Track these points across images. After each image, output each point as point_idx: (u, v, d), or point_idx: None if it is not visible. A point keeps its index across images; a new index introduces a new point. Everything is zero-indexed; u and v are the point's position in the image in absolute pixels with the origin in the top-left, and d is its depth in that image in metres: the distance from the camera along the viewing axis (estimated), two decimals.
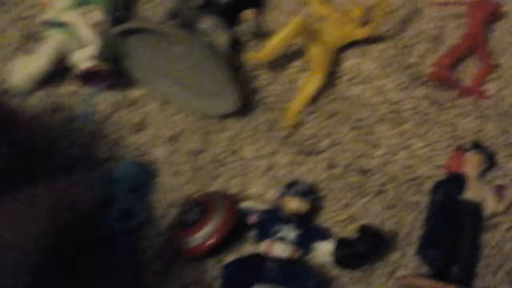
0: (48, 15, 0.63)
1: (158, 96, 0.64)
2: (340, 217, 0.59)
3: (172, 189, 0.60)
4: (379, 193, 0.60)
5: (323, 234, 0.57)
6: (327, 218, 0.59)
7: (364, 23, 0.67)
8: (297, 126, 0.63)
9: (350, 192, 0.60)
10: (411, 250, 0.58)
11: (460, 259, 0.55)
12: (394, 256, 0.57)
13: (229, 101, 0.61)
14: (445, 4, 0.69)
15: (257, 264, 0.55)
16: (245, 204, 0.58)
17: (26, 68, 0.62)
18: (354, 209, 0.59)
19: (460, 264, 0.55)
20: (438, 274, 0.54)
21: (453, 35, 0.68)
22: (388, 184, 0.60)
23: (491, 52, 0.67)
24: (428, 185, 0.60)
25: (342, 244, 0.56)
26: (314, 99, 0.65)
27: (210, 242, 0.55)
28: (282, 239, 0.55)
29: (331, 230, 0.58)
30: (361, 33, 0.66)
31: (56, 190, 0.50)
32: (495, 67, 0.67)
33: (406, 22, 0.69)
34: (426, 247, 0.56)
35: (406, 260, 0.57)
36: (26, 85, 0.62)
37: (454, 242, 0.56)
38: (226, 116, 0.64)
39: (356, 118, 0.64)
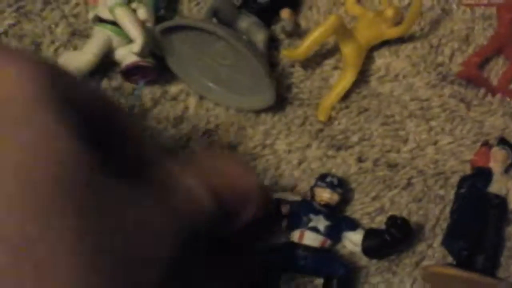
0: (96, 12, 0.66)
1: (196, 91, 0.67)
2: (369, 209, 0.62)
3: None
4: (407, 186, 0.62)
5: (352, 225, 0.60)
6: (356, 209, 0.62)
7: (397, 23, 0.69)
8: (329, 121, 0.66)
9: (379, 185, 0.63)
10: (437, 241, 0.60)
11: (485, 250, 0.58)
12: (421, 247, 0.60)
13: (265, 97, 0.64)
14: (475, 5, 0.71)
15: (289, 252, 0.58)
16: (278, 195, 0.61)
17: (74, 63, 0.65)
18: (383, 202, 0.62)
19: (484, 254, 0.57)
20: (463, 264, 0.56)
21: (482, 36, 0.71)
22: (416, 178, 0.63)
23: None
24: (455, 179, 0.63)
25: (370, 234, 0.59)
26: (346, 96, 0.67)
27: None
28: (313, 229, 0.59)
29: (360, 221, 0.60)
30: (393, 32, 0.69)
31: (218, 180, 0.40)
32: None
33: (436, 22, 0.71)
34: (451, 238, 0.59)
35: (432, 251, 0.60)
36: None
37: (479, 233, 0.58)
38: (261, 111, 0.66)
39: (386, 114, 0.66)
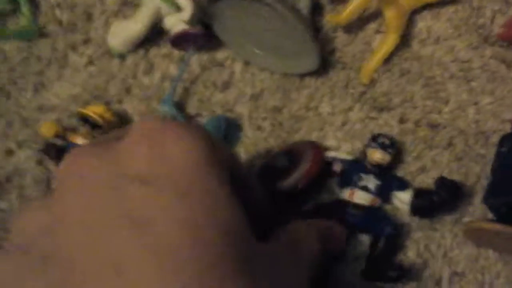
0: None
1: (242, 57, 0.69)
2: (411, 168, 0.64)
3: (255, 143, 0.66)
4: (448, 146, 0.64)
5: (402, 184, 0.62)
6: (398, 169, 0.64)
7: None
8: (371, 84, 0.68)
9: (420, 145, 0.65)
10: (478, 199, 0.62)
11: None
12: (461, 204, 0.61)
13: (309, 61, 0.66)
14: None
15: (339, 209, 0.61)
16: (331, 154, 0.64)
17: (124, 32, 0.68)
18: (424, 161, 0.64)
19: None
20: (504, 219, 0.58)
21: None
22: (456, 138, 0.64)
23: None
24: (495, 138, 0.64)
25: (420, 194, 0.61)
26: (388, 59, 0.68)
27: (300, 186, 0.60)
28: (363, 188, 0.61)
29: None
30: None
31: (317, 228, 0.49)
32: None
33: None
34: (492, 194, 0.60)
35: (472, 208, 0.62)
36: (124, 47, 0.68)
37: None
38: (305, 75, 0.68)
39: (427, 76, 0.68)
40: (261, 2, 0.63)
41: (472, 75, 0.68)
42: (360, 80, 0.68)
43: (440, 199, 0.60)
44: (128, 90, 0.68)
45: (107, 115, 0.63)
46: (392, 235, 0.61)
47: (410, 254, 0.63)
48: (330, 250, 0.51)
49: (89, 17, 0.71)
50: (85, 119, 0.63)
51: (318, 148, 0.63)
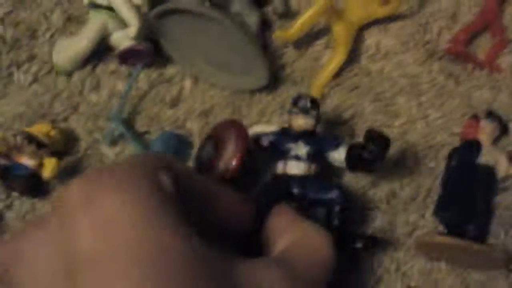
0: None
1: (191, 73, 0.68)
2: (363, 182, 0.64)
3: None
4: (398, 160, 0.64)
5: (334, 143, 0.60)
6: (348, 183, 0.63)
7: (385, 2, 0.70)
8: (322, 99, 0.67)
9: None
10: (429, 212, 0.62)
11: (475, 218, 0.60)
12: (413, 218, 0.62)
13: (259, 77, 0.66)
14: None
15: (281, 184, 0.59)
16: (255, 129, 0.62)
17: (70, 48, 0.67)
18: (375, 175, 0.64)
19: (474, 223, 0.59)
20: (455, 233, 0.58)
21: (469, 13, 0.72)
22: (407, 152, 0.64)
23: (504, 28, 0.71)
24: (445, 152, 0.65)
25: (353, 150, 0.58)
26: (338, 74, 0.69)
27: (229, 174, 0.56)
28: (295, 157, 0.59)
29: (355, 193, 0.62)
30: (383, 11, 0.71)
31: None
32: (508, 42, 0.70)
33: (424, 1, 0.73)
34: (442, 208, 0.61)
35: (423, 221, 0.62)
36: (70, 64, 0.67)
37: (469, 203, 0.60)
38: (255, 91, 0.68)
39: (377, 91, 0.68)
40: (209, 18, 0.63)
41: (421, 89, 0.68)
42: (310, 95, 0.67)
43: (375, 150, 0.57)
44: (75, 108, 0.67)
45: (53, 134, 0.62)
46: (343, 201, 0.58)
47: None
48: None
49: (33, 33, 0.70)
50: (30, 138, 0.61)
51: (241, 127, 0.59)
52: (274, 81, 0.68)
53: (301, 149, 0.59)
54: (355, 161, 0.58)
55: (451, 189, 0.61)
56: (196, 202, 0.43)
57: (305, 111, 0.60)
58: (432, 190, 0.63)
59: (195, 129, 0.66)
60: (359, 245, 0.58)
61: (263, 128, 0.63)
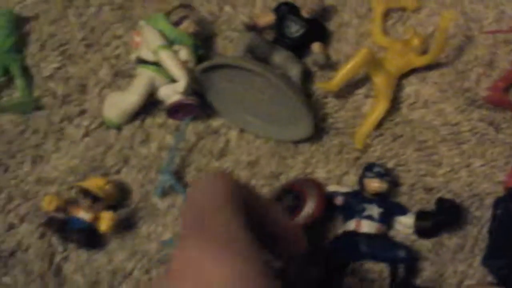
0: (138, 54, 0.70)
1: (237, 125, 0.70)
2: (409, 230, 0.65)
3: None
4: None
5: (403, 209, 0.65)
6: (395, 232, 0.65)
7: (423, 51, 0.72)
8: (365, 149, 0.69)
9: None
10: (477, 261, 0.63)
11: None
12: (461, 267, 0.63)
13: (303, 128, 0.67)
14: (496, 32, 0.75)
15: (350, 240, 0.63)
16: (331, 188, 0.66)
17: (120, 103, 0.69)
18: None
19: None
20: (503, 282, 0.59)
21: (505, 60, 0.74)
22: None
23: None
24: (489, 200, 0.66)
25: (422, 217, 0.64)
26: (380, 124, 0.70)
27: (309, 221, 0.63)
28: (368, 217, 0.63)
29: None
30: (421, 61, 0.72)
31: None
32: None
33: (460, 49, 0.74)
34: (491, 257, 0.62)
35: (472, 271, 0.63)
36: (120, 119, 0.69)
37: None
38: (299, 141, 0.70)
39: (419, 140, 0.70)
40: (253, 72, 0.65)
41: (462, 137, 0.70)
42: (353, 146, 0.69)
43: (442, 218, 0.63)
44: (126, 161, 0.68)
45: (107, 187, 0.63)
46: (409, 259, 0.62)
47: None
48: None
49: (83, 88, 0.72)
50: (86, 192, 0.63)
51: (320, 185, 0.65)
52: (317, 131, 0.70)
53: (375, 210, 0.63)
54: (424, 227, 0.63)
55: (499, 238, 0.62)
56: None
57: (380, 176, 0.64)
58: (479, 238, 0.64)
59: (243, 180, 0.68)
60: None
61: (337, 188, 0.66)
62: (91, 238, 0.63)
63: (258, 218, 0.44)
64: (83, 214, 0.62)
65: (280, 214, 0.49)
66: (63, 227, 0.62)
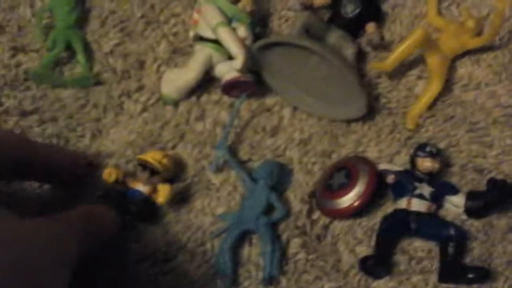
0: (196, 31, 0.72)
1: (290, 102, 0.72)
2: (460, 210, 0.66)
3: (305, 186, 0.68)
4: None
5: (454, 189, 0.66)
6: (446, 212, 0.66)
7: (478, 33, 0.73)
8: (416, 129, 0.70)
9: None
10: None
11: None
12: (510, 247, 0.65)
13: (357, 107, 0.68)
14: None
15: (401, 218, 0.64)
16: (383, 166, 0.67)
17: (178, 80, 0.71)
18: None
19: None
20: None
21: None
22: None
23: None
24: None
25: (472, 196, 0.65)
26: (432, 104, 0.71)
27: (359, 202, 0.64)
28: (419, 195, 0.64)
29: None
30: (475, 42, 0.72)
31: (80, 214, 0.54)
32: None
33: None
34: None
35: None
36: (178, 95, 0.71)
37: None
38: (352, 120, 0.71)
39: (471, 121, 0.70)
40: (309, 50, 0.66)
41: None
42: (405, 126, 0.70)
43: (493, 199, 0.64)
44: (182, 136, 0.70)
45: (165, 161, 0.65)
46: (459, 237, 0.63)
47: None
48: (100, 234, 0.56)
49: (141, 65, 0.74)
50: (143, 165, 0.65)
51: (372, 163, 0.67)
52: (370, 111, 0.71)
53: (426, 189, 0.65)
54: (475, 207, 0.64)
55: None
56: None
57: (432, 155, 0.65)
58: None
59: (295, 157, 0.70)
60: (471, 275, 0.62)
61: (389, 166, 0.67)
62: (148, 210, 0.65)
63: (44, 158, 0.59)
64: (141, 187, 0.64)
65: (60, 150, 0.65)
66: (121, 199, 0.64)
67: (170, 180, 0.67)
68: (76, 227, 0.51)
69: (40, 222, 0.48)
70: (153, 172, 0.65)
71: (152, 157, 0.65)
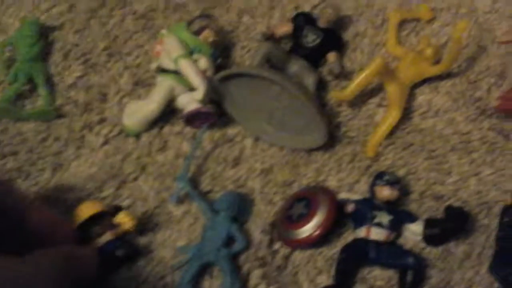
0: (158, 63, 0.73)
1: (252, 133, 0.72)
2: (418, 238, 0.66)
3: (266, 217, 0.68)
4: None
5: (412, 217, 0.67)
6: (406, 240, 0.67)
7: (436, 60, 0.74)
8: (376, 157, 0.71)
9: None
10: (484, 268, 0.65)
11: None
12: (469, 274, 0.64)
13: (317, 136, 0.69)
14: (508, 42, 0.76)
15: (361, 247, 0.64)
16: (343, 195, 0.68)
17: (140, 111, 0.71)
18: None
19: None
20: None
21: None
22: None
23: None
24: (498, 208, 0.68)
25: (430, 224, 0.65)
26: (391, 132, 0.72)
27: (319, 232, 0.64)
28: (378, 224, 0.65)
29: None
30: (434, 70, 0.74)
31: (63, 254, 0.52)
32: None
33: (472, 59, 0.76)
34: (498, 264, 0.63)
35: (479, 278, 0.65)
36: (139, 127, 0.72)
37: None
38: (313, 149, 0.71)
39: (430, 148, 0.71)
40: (270, 81, 0.67)
41: (472, 146, 0.71)
42: (365, 154, 0.70)
43: (450, 226, 0.64)
44: (143, 168, 0.71)
45: (98, 206, 0.66)
46: (417, 266, 0.63)
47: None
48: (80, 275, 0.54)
49: (104, 96, 0.74)
50: (90, 223, 0.65)
51: (331, 193, 0.67)
52: (330, 139, 0.71)
53: (385, 217, 0.65)
54: (432, 234, 0.65)
55: (506, 246, 0.63)
56: None
57: (391, 184, 0.66)
58: (486, 246, 0.66)
59: (256, 188, 0.70)
60: None
61: (349, 195, 0.68)
62: (131, 247, 0.65)
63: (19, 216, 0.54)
64: (109, 236, 0.64)
65: (44, 211, 0.59)
66: (106, 258, 0.63)
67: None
68: (55, 267, 0.49)
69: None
70: (100, 218, 0.65)
71: (87, 211, 0.64)
